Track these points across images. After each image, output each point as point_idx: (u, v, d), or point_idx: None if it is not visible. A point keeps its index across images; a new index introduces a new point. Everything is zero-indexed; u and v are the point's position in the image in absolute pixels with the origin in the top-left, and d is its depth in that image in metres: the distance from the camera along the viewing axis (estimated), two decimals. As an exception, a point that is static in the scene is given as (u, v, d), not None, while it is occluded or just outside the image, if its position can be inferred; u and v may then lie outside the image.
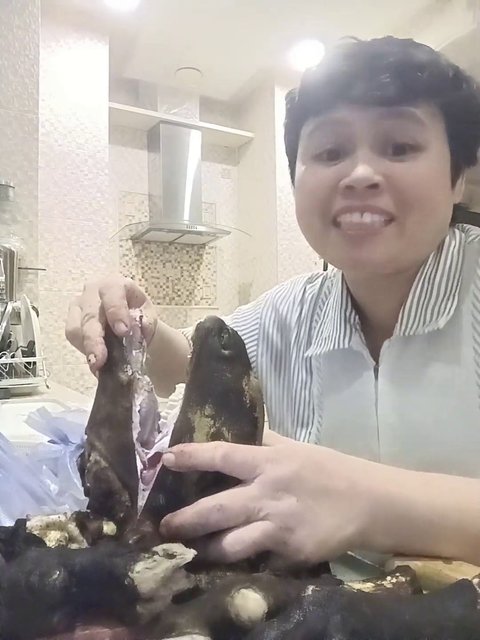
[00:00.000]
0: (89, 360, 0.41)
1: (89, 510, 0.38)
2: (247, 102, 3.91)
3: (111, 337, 0.42)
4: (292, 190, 0.61)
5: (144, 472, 0.38)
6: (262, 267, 3.76)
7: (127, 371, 0.41)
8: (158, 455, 0.37)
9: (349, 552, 0.43)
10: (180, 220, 3.48)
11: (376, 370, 0.59)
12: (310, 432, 0.66)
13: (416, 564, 0.36)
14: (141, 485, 0.37)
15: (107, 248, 3.05)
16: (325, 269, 0.81)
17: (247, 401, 0.38)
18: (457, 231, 0.60)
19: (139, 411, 0.40)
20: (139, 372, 0.42)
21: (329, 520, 0.35)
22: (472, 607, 0.26)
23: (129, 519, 0.36)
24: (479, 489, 0.41)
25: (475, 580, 0.28)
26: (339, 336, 0.61)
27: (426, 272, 0.56)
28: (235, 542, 0.33)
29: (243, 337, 0.75)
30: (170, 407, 0.40)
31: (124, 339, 0.43)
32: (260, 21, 2.97)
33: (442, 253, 0.57)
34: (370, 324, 0.62)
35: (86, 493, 0.39)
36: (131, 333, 0.43)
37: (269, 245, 3.67)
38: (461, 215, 0.61)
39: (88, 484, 0.38)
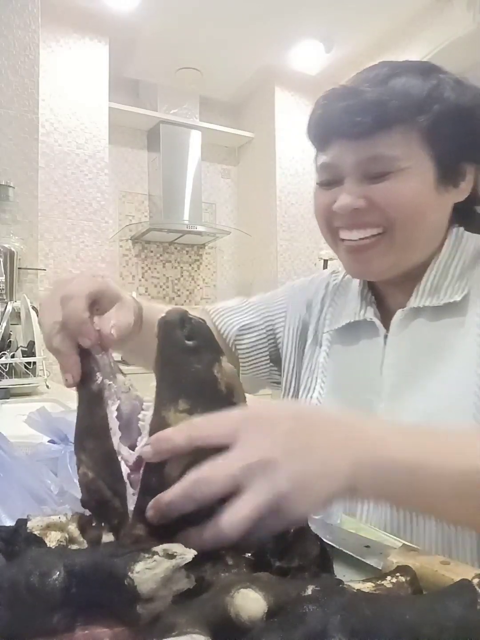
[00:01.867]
0: (66, 380, 0.42)
1: (92, 524, 0.38)
2: (247, 102, 3.91)
3: (78, 348, 0.42)
4: None
5: (131, 476, 0.37)
6: (262, 267, 3.76)
7: (96, 380, 0.40)
8: (141, 459, 0.37)
9: (349, 552, 0.43)
10: (180, 221, 3.48)
11: (386, 339, 0.66)
12: (311, 397, 0.72)
13: (413, 564, 0.36)
14: (130, 490, 0.36)
15: (107, 248, 3.05)
16: (325, 269, 0.85)
17: (223, 388, 0.38)
18: (460, 228, 0.67)
19: (116, 417, 0.39)
20: (110, 377, 0.41)
21: (315, 475, 0.35)
22: (472, 607, 0.26)
23: (122, 524, 0.36)
24: (461, 439, 0.42)
25: (475, 581, 0.28)
26: (356, 310, 0.70)
27: (442, 259, 0.64)
28: (230, 522, 0.33)
29: (272, 310, 0.82)
30: (147, 408, 0.39)
31: (92, 351, 0.42)
32: (260, 21, 2.97)
33: (459, 246, 0.65)
34: (386, 303, 0.69)
35: (83, 505, 0.39)
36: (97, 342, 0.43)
37: (269, 246, 3.67)
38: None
39: (84, 498, 0.39)
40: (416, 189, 0.59)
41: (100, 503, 0.37)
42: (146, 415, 0.38)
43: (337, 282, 0.80)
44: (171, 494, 0.34)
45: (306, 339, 0.79)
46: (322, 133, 0.63)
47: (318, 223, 0.67)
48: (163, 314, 0.39)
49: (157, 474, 0.35)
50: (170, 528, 0.34)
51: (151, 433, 0.36)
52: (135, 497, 0.36)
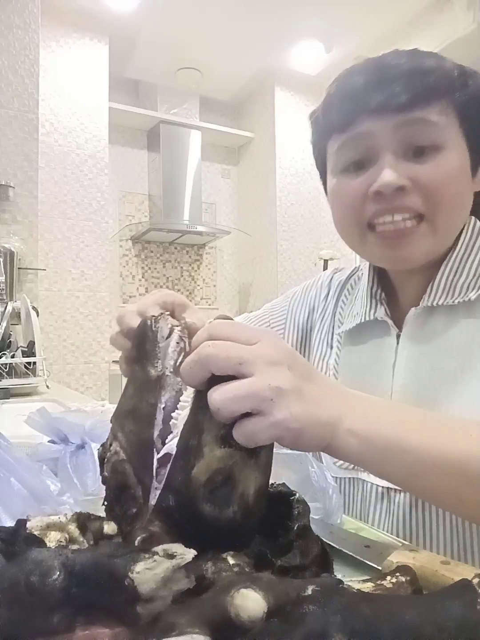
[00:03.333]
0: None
1: (104, 503, 0.39)
2: (247, 102, 3.91)
3: (146, 330, 0.42)
4: (326, 199, 0.67)
5: (158, 470, 0.38)
6: (262, 267, 3.76)
7: (157, 366, 0.40)
8: (167, 456, 0.37)
9: (349, 552, 0.43)
10: (180, 220, 3.48)
11: (398, 338, 0.64)
12: None
13: (413, 564, 0.36)
14: (154, 483, 0.37)
15: (107, 248, 3.05)
16: (325, 269, 0.84)
17: None
18: (477, 222, 0.64)
19: (163, 408, 0.40)
20: (170, 370, 0.41)
21: (310, 397, 0.36)
22: (472, 607, 0.26)
23: (140, 515, 0.36)
24: (448, 424, 0.42)
25: (475, 581, 0.28)
26: (366, 310, 0.67)
27: (458, 254, 0.61)
28: (223, 393, 0.33)
29: (272, 322, 0.81)
30: (181, 408, 0.39)
31: (158, 334, 0.42)
32: (260, 21, 2.97)
33: (477, 240, 0.62)
34: (398, 300, 0.67)
35: (103, 482, 0.39)
36: (168, 331, 0.43)
37: (269, 245, 3.67)
38: None
39: (105, 474, 0.39)
40: (458, 169, 0.56)
41: (121, 486, 0.37)
42: (180, 415, 0.38)
43: (343, 279, 0.77)
44: (185, 361, 0.36)
45: (311, 344, 0.76)
46: (350, 108, 0.57)
47: (343, 216, 0.62)
48: (211, 321, 0.40)
49: (183, 473, 0.35)
50: (186, 529, 0.34)
51: (183, 434, 0.36)
52: (158, 492, 0.36)
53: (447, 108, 0.55)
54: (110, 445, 0.39)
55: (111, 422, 0.41)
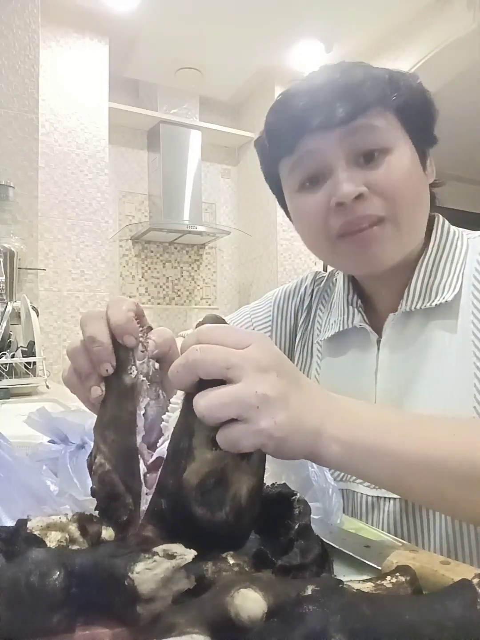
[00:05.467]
0: (107, 371, 0.40)
1: (96, 511, 0.38)
2: (247, 102, 3.91)
3: (116, 340, 0.41)
4: (289, 220, 0.69)
5: (148, 475, 0.38)
6: (262, 267, 3.76)
7: (131, 374, 0.40)
8: (160, 460, 0.37)
9: (349, 552, 0.43)
10: (180, 221, 3.48)
11: (379, 343, 0.64)
12: None
13: (413, 564, 0.36)
14: (144, 489, 0.37)
15: (107, 248, 3.05)
16: (325, 269, 0.84)
17: None
18: (445, 221, 0.65)
19: (143, 414, 0.39)
20: (144, 376, 0.41)
21: (295, 405, 0.36)
22: (472, 607, 0.26)
23: (131, 522, 0.36)
24: (428, 420, 0.43)
25: (475, 580, 0.28)
26: (344, 318, 0.67)
27: (430, 256, 0.62)
28: (208, 399, 0.33)
29: (256, 325, 0.79)
30: (172, 410, 0.39)
31: None
32: (260, 21, 2.97)
33: (447, 241, 0.63)
34: (374, 307, 0.67)
35: (92, 494, 0.39)
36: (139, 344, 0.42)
37: (269, 245, 3.67)
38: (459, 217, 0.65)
39: (93, 486, 0.39)
40: (410, 167, 0.58)
41: (111, 496, 0.37)
42: (171, 417, 0.38)
43: (321, 286, 0.77)
44: (173, 365, 0.35)
45: (294, 353, 0.76)
46: (293, 131, 0.58)
47: (309, 232, 0.63)
48: (201, 320, 0.40)
49: (174, 476, 0.35)
50: (179, 532, 0.34)
51: (174, 435, 0.36)
52: (149, 497, 0.36)
53: (386, 111, 0.57)
54: (95, 457, 0.39)
55: (93, 434, 0.40)
